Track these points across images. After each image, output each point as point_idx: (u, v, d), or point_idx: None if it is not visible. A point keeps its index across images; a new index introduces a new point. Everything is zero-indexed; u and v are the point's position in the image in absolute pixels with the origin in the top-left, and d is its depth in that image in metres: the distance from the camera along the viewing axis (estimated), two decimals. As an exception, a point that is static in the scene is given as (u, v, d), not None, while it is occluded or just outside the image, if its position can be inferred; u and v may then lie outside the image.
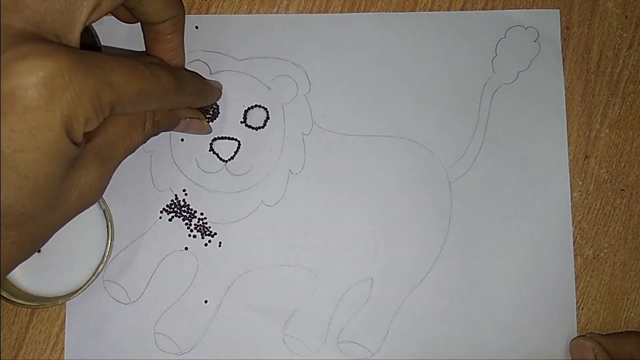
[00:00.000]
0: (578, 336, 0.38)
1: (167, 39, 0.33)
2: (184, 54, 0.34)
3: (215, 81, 0.38)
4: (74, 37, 0.26)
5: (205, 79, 0.36)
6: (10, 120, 0.23)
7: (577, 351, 0.37)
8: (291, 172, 0.39)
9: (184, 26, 0.33)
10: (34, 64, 0.23)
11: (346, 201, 0.39)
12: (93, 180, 0.28)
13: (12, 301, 0.35)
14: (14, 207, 0.24)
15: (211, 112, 0.38)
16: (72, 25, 0.26)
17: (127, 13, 0.32)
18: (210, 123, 0.38)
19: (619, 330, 0.39)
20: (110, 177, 0.29)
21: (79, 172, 0.27)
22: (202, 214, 0.38)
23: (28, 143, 0.23)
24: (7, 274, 0.27)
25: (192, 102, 0.34)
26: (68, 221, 0.28)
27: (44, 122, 0.23)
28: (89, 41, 0.36)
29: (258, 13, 0.39)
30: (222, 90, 0.38)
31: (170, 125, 0.33)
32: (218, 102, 0.38)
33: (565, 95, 0.40)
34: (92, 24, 0.35)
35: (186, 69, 0.35)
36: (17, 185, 0.24)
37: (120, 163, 0.30)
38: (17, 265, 0.27)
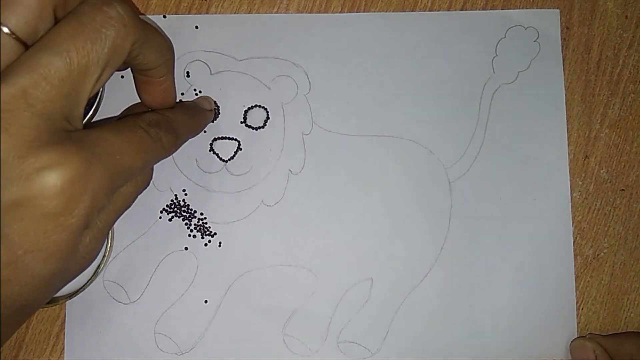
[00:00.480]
0: (578, 337, 0.38)
1: (159, 82, 0.33)
2: (175, 92, 0.34)
3: (205, 98, 0.38)
4: (79, 113, 0.27)
5: (196, 106, 0.36)
6: (27, 225, 0.23)
7: (577, 352, 0.37)
8: (291, 172, 0.39)
9: (174, 65, 0.34)
10: (51, 173, 0.23)
11: (346, 201, 0.39)
12: (90, 250, 0.28)
13: (12, 301, 0.35)
14: (17, 302, 0.25)
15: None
16: (78, 104, 0.26)
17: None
18: (210, 123, 0.38)
19: (619, 331, 0.39)
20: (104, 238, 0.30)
21: (83, 240, 0.27)
22: (202, 214, 0.38)
23: (40, 245, 0.24)
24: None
25: (188, 138, 0.34)
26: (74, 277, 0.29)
27: (59, 224, 0.24)
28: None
29: (258, 13, 0.39)
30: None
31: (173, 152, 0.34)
32: (218, 103, 0.38)
33: (565, 95, 0.40)
34: None
35: (177, 104, 0.35)
36: (23, 282, 0.25)
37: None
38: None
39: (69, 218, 0.24)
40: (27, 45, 0.25)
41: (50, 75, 0.24)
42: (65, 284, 0.28)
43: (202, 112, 0.37)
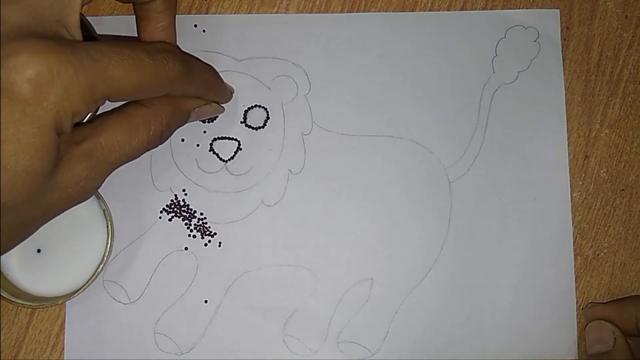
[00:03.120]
0: (590, 308, 0.38)
1: (157, 17, 0.32)
2: (175, 34, 0.34)
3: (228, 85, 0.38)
4: (74, 19, 0.26)
5: (219, 74, 0.35)
6: None
7: (596, 332, 0.36)
8: (291, 172, 0.39)
9: (175, 5, 0.33)
10: (21, 60, 0.23)
11: (346, 201, 0.39)
12: (77, 181, 0.27)
13: (12, 301, 0.35)
14: None
15: None
16: (71, 7, 0.26)
17: None
18: (210, 123, 0.38)
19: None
20: (102, 181, 0.29)
21: (62, 172, 0.26)
22: (202, 214, 0.38)
23: (11, 135, 0.23)
24: None
25: (201, 93, 0.33)
26: (53, 217, 0.28)
27: (29, 115, 0.23)
28: (84, 34, 0.36)
29: (258, 13, 0.39)
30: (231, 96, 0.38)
31: (181, 122, 0.33)
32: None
33: (565, 95, 0.40)
34: (88, 20, 0.35)
35: (200, 60, 0.35)
36: None
37: (117, 167, 0.29)
38: None
39: (38, 109, 0.23)
40: None
41: None
42: (48, 214, 0.27)
43: (223, 81, 0.36)
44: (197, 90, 0.33)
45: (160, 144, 0.32)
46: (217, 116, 0.38)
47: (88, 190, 0.28)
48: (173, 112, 0.32)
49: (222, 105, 0.37)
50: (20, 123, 0.23)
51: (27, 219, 0.27)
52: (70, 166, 0.27)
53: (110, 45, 0.26)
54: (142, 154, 0.30)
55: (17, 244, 0.28)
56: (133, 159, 0.30)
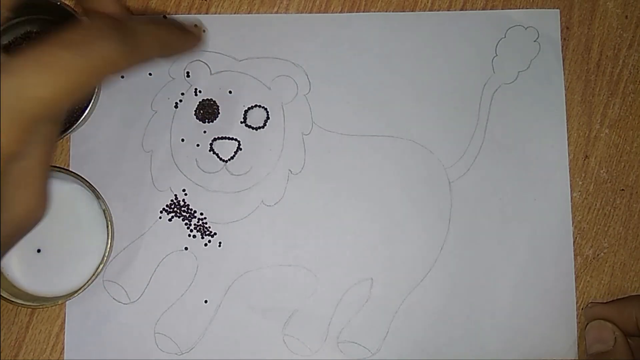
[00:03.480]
0: (590, 308, 0.38)
1: None
2: (120, 3, 0.29)
3: (193, 26, 0.33)
4: None
5: (176, 22, 0.31)
6: None
7: (596, 332, 0.37)
8: (291, 172, 0.39)
9: None
10: None
11: (346, 201, 0.39)
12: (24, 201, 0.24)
13: (12, 301, 0.35)
14: None
15: (210, 112, 0.38)
16: None
17: None
18: (210, 123, 0.38)
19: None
20: (44, 197, 0.25)
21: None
22: (202, 214, 0.38)
23: None
24: None
25: (165, 53, 0.29)
26: (12, 240, 0.25)
27: None
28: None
29: (258, 13, 0.39)
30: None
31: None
32: (218, 102, 0.38)
33: (565, 95, 0.40)
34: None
35: (149, 18, 0.30)
36: None
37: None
38: None
39: None
40: None
41: None
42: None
43: (184, 27, 0.31)
44: (156, 53, 0.28)
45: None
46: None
47: (37, 208, 0.24)
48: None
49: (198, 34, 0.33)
50: None
51: None
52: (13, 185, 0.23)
53: (23, 55, 0.22)
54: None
55: None
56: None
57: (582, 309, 0.38)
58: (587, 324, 0.37)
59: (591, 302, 0.38)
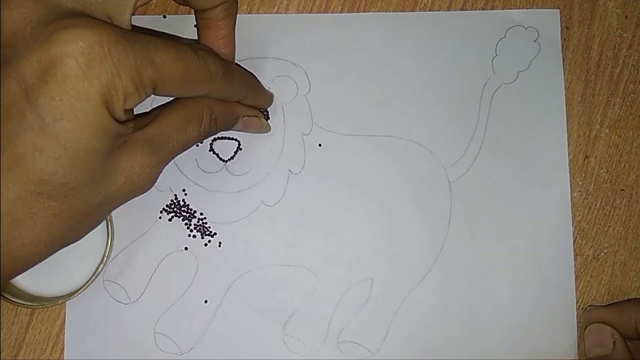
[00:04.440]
0: (588, 311, 0.38)
1: (217, 25, 0.33)
2: (234, 43, 0.34)
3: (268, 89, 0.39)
4: (125, 19, 0.27)
5: (258, 79, 0.37)
6: (51, 88, 0.23)
7: (595, 335, 0.37)
8: (291, 172, 0.39)
9: (235, 14, 0.34)
10: (74, 33, 0.23)
11: (346, 201, 0.39)
12: (141, 167, 0.28)
13: (12, 301, 0.35)
14: (54, 177, 0.24)
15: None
16: (124, 6, 0.26)
17: None
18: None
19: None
20: (161, 169, 0.29)
21: (125, 156, 0.27)
22: (201, 214, 0.38)
23: (67, 112, 0.23)
24: (55, 250, 0.27)
25: (242, 95, 0.34)
26: (116, 206, 0.29)
27: (82, 91, 0.23)
28: None
29: (258, 13, 0.39)
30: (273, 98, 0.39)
31: (229, 124, 0.34)
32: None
33: (565, 95, 0.40)
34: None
35: (239, 65, 0.36)
36: (56, 154, 0.24)
37: (173, 157, 0.30)
38: (64, 243, 0.27)
39: (90, 86, 0.23)
40: None
41: None
42: (111, 200, 0.28)
43: (262, 86, 0.37)
44: (238, 91, 0.33)
45: (203, 139, 0.33)
46: (268, 121, 0.38)
47: (151, 177, 0.29)
48: (224, 110, 0.33)
49: (269, 124, 0.38)
50: (76, 100, 0.23)
51: (92, 204, 0.27)
52: (134, 150, 0.27)
53: (158, 37, 0.27)
54: (192, 145, 0.31)
55: (85, 234, 0.28)
56: (185, 149, 0.31)
57: (582, 309, 0.38)
58: (586, 327, 0.37)
59: (590, 306, 0.38)
